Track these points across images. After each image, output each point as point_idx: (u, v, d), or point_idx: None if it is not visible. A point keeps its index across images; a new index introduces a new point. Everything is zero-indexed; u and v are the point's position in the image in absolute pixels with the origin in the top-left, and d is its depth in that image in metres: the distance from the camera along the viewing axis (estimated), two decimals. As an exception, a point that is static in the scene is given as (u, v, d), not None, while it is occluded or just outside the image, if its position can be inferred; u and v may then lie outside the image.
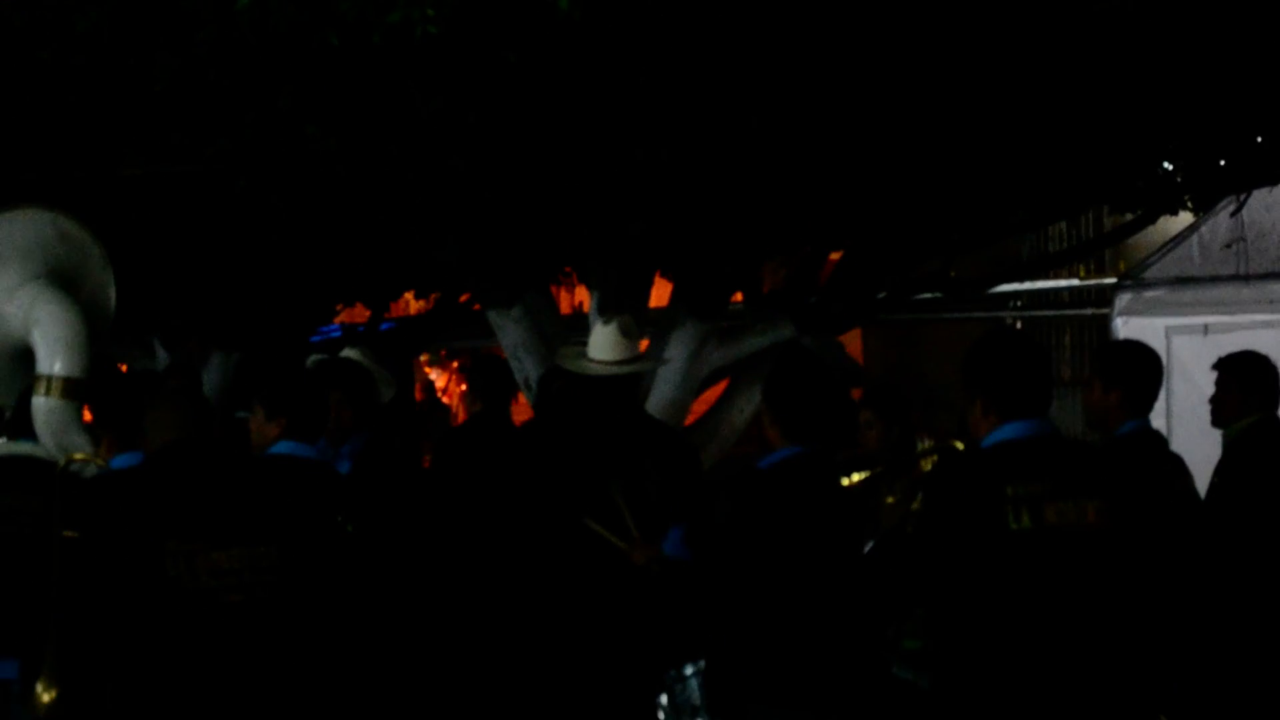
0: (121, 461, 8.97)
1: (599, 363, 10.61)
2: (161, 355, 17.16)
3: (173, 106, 11.06)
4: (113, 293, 10.32)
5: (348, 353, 11.01)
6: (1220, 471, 9.47)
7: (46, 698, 7.58)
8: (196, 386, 11.12)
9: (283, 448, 8.10)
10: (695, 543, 8.79)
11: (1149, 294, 15.16)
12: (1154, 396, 9.05)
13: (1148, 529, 6.65)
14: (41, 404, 9.74)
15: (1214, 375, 9.82)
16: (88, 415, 10.01)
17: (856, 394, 9.67)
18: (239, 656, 7.11)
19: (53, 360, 10.13)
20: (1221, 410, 9.77)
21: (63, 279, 10.39)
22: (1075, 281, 19.72)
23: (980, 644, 6.48)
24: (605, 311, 12.46)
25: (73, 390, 9.97)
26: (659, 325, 12.84)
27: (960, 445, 7.60)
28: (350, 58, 9.86)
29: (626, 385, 10.78)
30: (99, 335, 10.52)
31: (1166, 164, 13.22)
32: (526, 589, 8.95)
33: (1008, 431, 6.49)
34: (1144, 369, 9.05)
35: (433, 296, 18.45)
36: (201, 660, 7.06)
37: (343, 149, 11.17)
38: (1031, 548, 6.33)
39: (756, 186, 12.20)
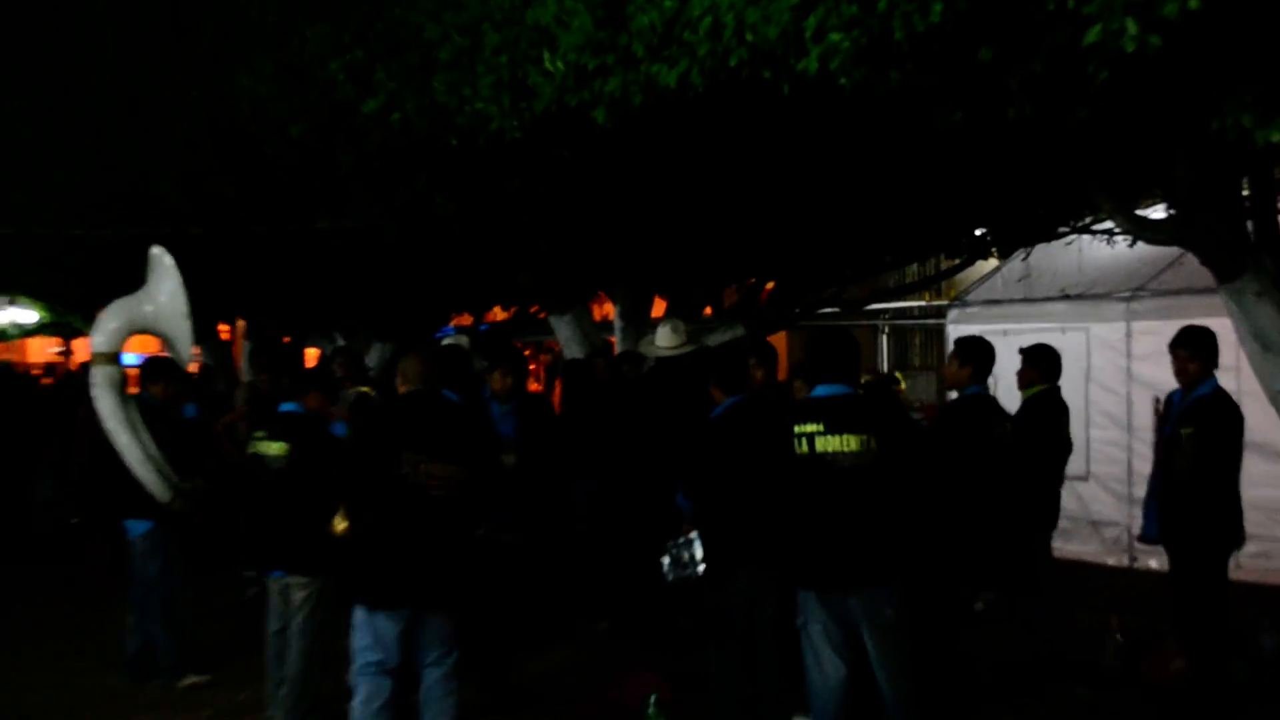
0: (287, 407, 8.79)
1: (662, 348, 11.21)
2: (339, 342, 17.11)
3: (351, 183, 11.28)
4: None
5: (454, 340, 10.76)
6: (1017, 419, 9.33)
7: (341, 526, 7.60)
8: (361, 363, 10.75)
9: (449, 394, 7.88)
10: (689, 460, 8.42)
11: (969, 310, 15.25)
12: (989, 372, 9.25)
13: (893, 454, 6.92)
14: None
15: (1014, 361, 9.74)
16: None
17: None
18: (433, 524, 7.14)
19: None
20: (1022, 380, 9.74)
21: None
22: (922, 302, 19.65)
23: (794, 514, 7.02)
24: (633, 320, 12.83)
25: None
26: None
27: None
28: (464, 152, 9.88)
29: (679, 361, 11.09)
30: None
31: (980, 229, 13.32)
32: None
33: (817, 391, 7.07)
34: (986, 353, 9.22)
35: (513, 308, 18.35)
36: (405, 517, 7.12)
37: (458, 213, 11.46)
38: (809, 463, 6.85)
39: (722, 241, 12.50)
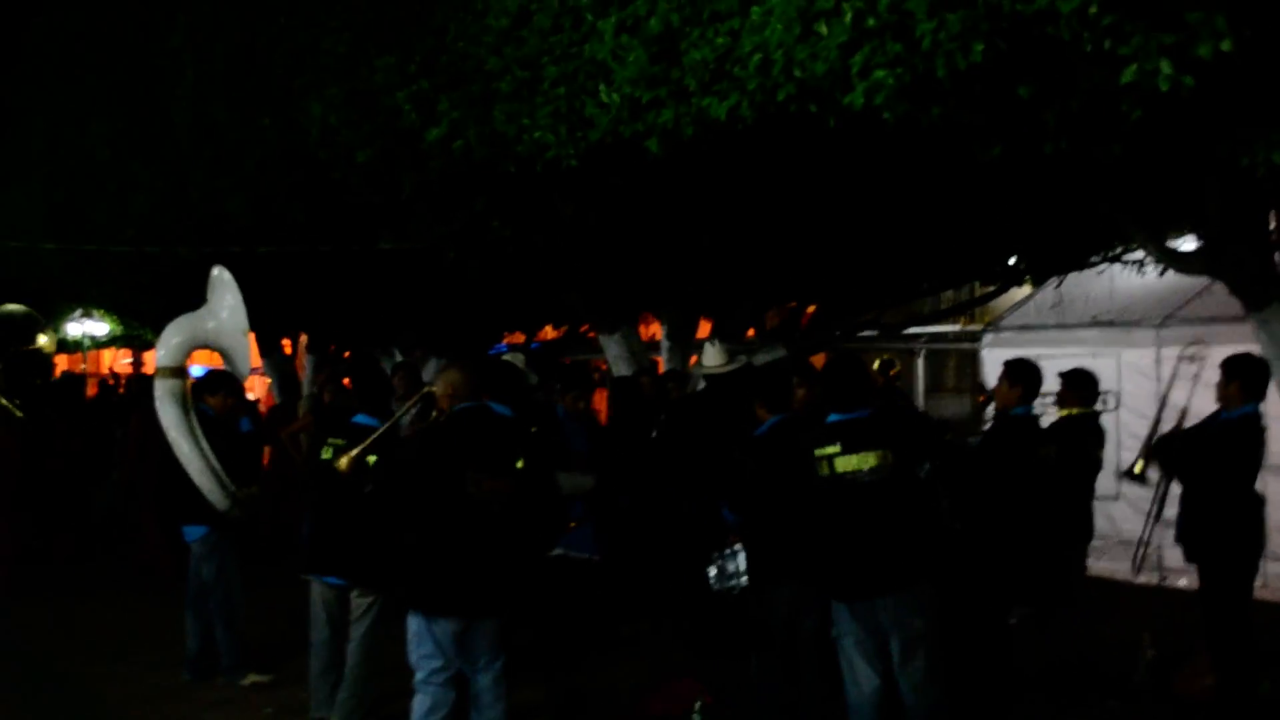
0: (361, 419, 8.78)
1: (709, 367, 11.15)
2: (398, 358, 17.18)
3: (413, 206, 11.35)
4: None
5: (509, 357, 10.76)
6: (1053, 435, 9.38)
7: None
8: (419, 378, 10.76)
9: (498, 408, 7.86)
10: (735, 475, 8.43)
11: (1002, 335, 15.20)
12: (1036, 394, 9.20)
13: (910, 463, 7.26)
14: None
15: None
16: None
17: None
18: (490, 535, 7.22)
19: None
20: (1061, 403, 9.76)
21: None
22: (958, 327, 19.54)
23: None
24: (679, 339, 12.86)
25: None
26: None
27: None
28: (521, 178, 9.92)
29: (726, 379, 10.95)
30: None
31: (1014, 257, 13.31)
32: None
33: (832, 417, 7.23)
34: (1035, 376, 9.17)
35: (563, 327, 18.39)
36: (466, 530, 7.18)
37: (514, 235, 11.48)
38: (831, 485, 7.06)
39: (766, 265, 12.45)
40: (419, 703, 7.20)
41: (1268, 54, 5.77)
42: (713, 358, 11.38)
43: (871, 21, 6.37)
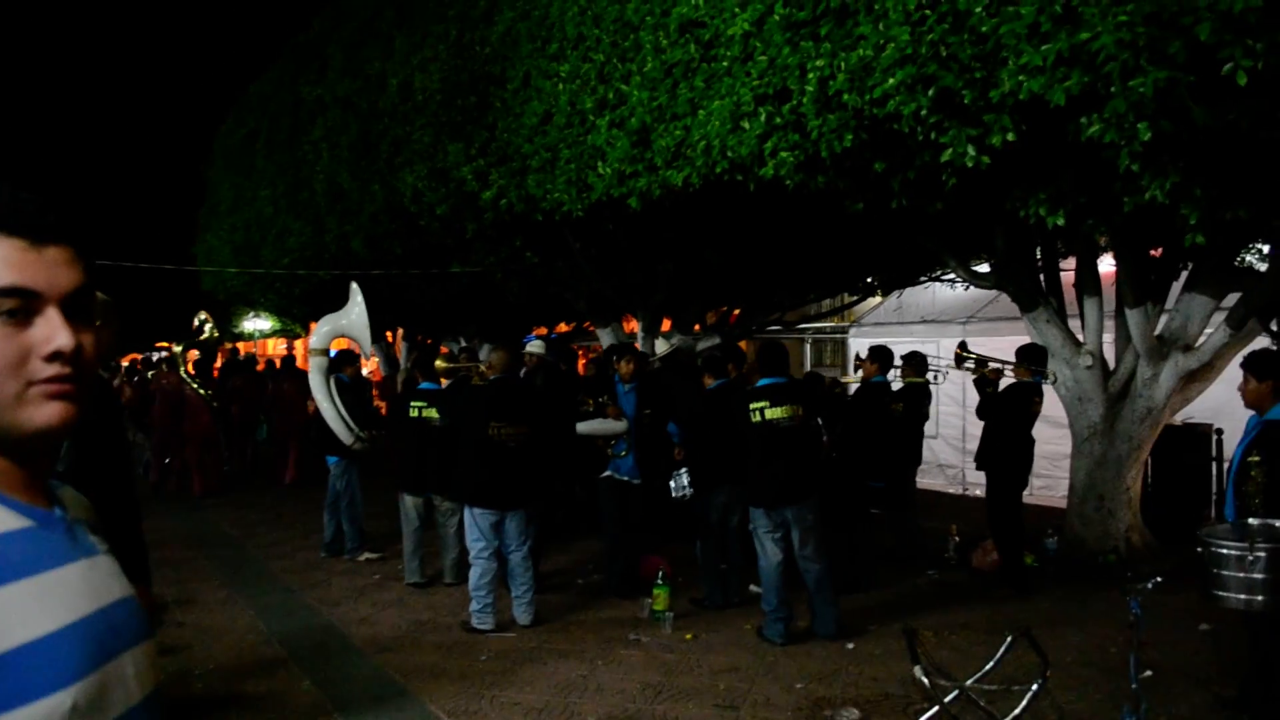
0: (426, 385, 8.86)
1: (660, 354, 11.24)
2: (463, 343, 17.10)
3: (473, 243, 11.32)
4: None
5: (534, 346, 10.63)
6: (899, 396, 9.40)
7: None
8: (476, 357, 10.65)
9: (509, 376, 7.62)
10: (684, 419, 8.44)
11: (863, 329, 15.13)
12: (889, 368, 9.28)
13: (811, 417, 7.27)
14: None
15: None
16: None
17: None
18: (510, 461, 7.26)
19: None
20: (903, 375, 9.71)
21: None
22: (833, 324, 19.40)
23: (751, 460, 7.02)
24: (650, 332, 12.79)
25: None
26: (668, 336, 12.56)
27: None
28: (546, 225, 9.96)
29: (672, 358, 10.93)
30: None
31: (870, 276, 13.29)
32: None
33: (763, 381, 7.15)
34: (888, 356, 9.27)
35: (572, 323, 18.24)
36: (496, 458, 7.23)
37: (541, 263, 11.41)
38: (762, 427, 6.96)
39: (707, 283, 12.45)
40: (473, 571, 7.25)
41: (1036, 144, 5.77)
42: (660, 347, 11.67)
43: (778, 120, 6.42)
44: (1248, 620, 5.03)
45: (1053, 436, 10.97)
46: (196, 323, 11.13)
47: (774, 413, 6.93)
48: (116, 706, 1.19)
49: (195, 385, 13.92)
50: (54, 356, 1.18)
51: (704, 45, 7.14)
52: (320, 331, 9.97)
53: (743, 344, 13.46)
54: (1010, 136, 5.37)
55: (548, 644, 6.91)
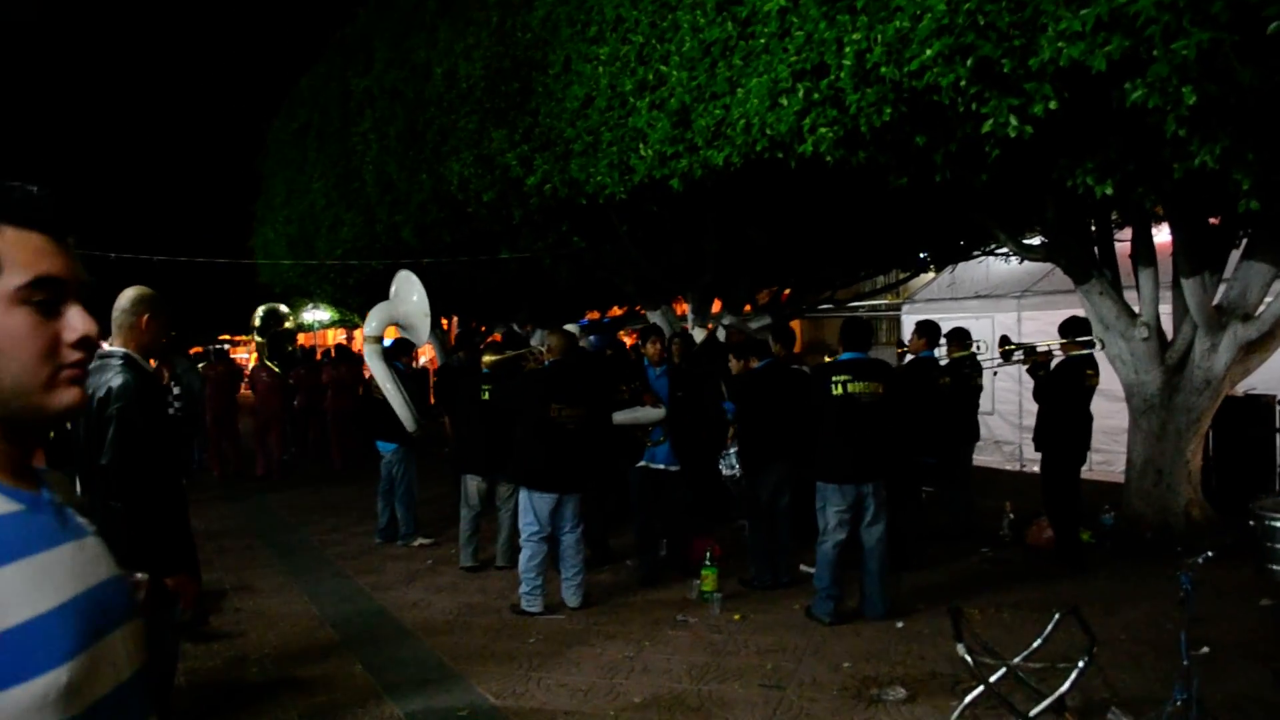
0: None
1: (698, 336, 10.88)
2: (515, 329, 17.19)
3: (520, 229, 11.33)
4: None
5: (570, 327, 10.51)
6: (947, 370, 9.17)
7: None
8: (526, 342, 10.61)
9: (567, 359, 7.45)
10: (736, 400, 8.27)
11: (916, 305, 14.91)
12: (937, 343, 9.09)
13: (892, 396, 7.07)
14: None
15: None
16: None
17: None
18: (569, 443, 7.21)
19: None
20: (947, 350, 9.40)
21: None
22: (886, 301, 19.19)
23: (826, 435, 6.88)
24: (700, 314, 12.79)
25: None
26: (718, 318, 12.53)
27: (827, 359, 7.77)
28: (590, 209, 9.96)
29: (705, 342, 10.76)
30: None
31: (923, 252, 13.13)
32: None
33: (845, 356, 7.04)
34: (935, 330, 9.09)
35: (625, 307, 18.20)
36: (556, 440, 7.19)
37: (588, 246, 11.40)
38: (843, 401, 6.84)
39: (754, 263, 12.32)
40: (524, 554, 7.25)
41: (1080, 112, 5.65)
42: (698, 334, 11.65)
43: (816, 95, 6.33)
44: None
45: (1111, 411, 10.76)
46: (278, 311, 11.33)
47: (856, 387, 6.83)
48: (106, 683, 1.24)
49: (274, 366, 14.44)
50: (80, 343, 1.27)
51: (741, 23, 7.07)
52: (375, 318, 10.01)
53: (794, 323, 13.39)
54: (1053, 105, 5.25)
55: (596, 626, 6.90)
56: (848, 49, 5.99)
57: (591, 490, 7.88)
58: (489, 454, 8.48)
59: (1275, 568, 4.08)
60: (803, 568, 7.87)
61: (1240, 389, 9.73)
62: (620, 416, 7.97)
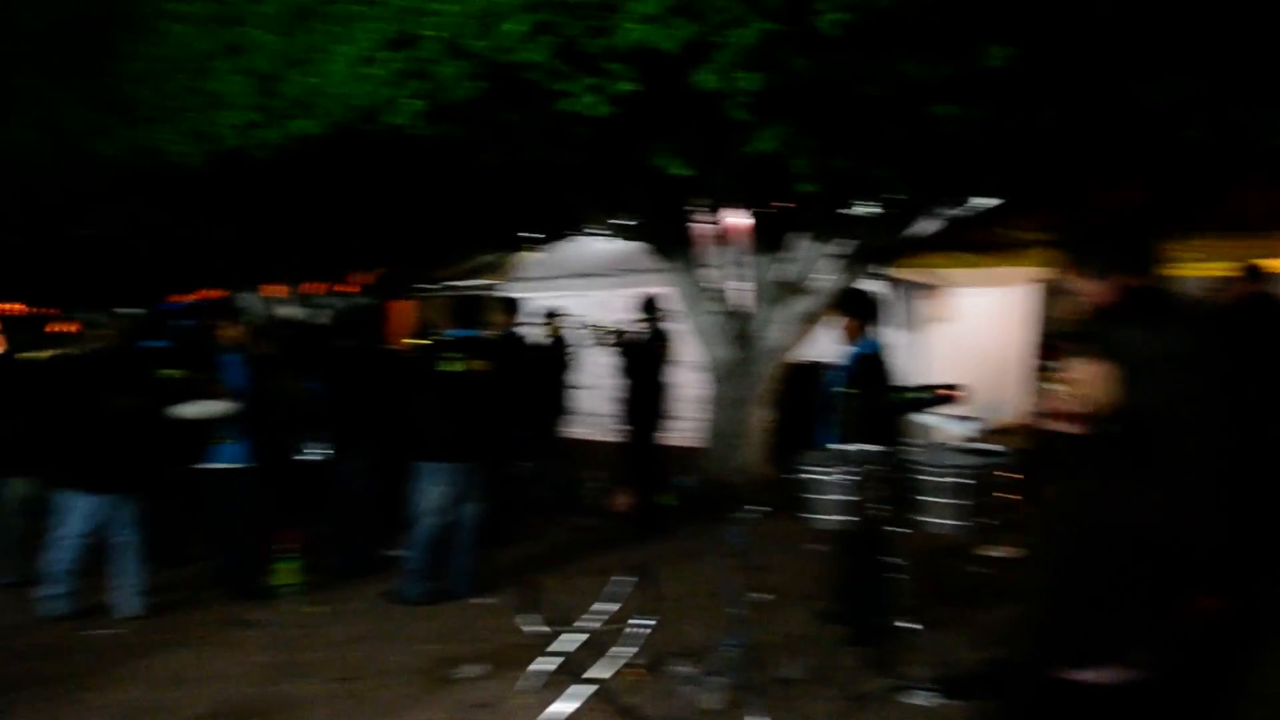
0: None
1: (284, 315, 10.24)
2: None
3: (92, 203, 10.19)
4: None
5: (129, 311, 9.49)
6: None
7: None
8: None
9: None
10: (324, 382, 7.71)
11: (515, 284, 14.91)
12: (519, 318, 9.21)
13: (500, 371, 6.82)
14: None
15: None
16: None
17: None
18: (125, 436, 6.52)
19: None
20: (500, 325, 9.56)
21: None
22: (488, 280, 18.99)
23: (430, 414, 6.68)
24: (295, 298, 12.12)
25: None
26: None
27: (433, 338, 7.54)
28: (172, 178, 9.05)
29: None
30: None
31: (521, 232, 13.05)
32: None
33: (454, 333, 6.74)
34: (517, 307, 9.06)
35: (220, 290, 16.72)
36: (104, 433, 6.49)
37: (173, 223, 10.45)
38: (450, 379, 6.69)
39: (346, 241, 11.74)
40: (58, 556, 6.51)
41: (660, 95, 5.86)
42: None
43: (399, 67, 6.18)
44: (837, 538, 5.34)
45: (695, 381, 11.39)
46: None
47: (464, 365, 6.63)
48: None
49: None
50: None
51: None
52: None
53: (403, 303, 12.99)
54: (629, 86, 5.44)
55: (156, 635, 6.24)
56: (437, 19, 5.89)
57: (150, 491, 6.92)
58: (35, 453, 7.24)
59: (814, 516, 4.51)
60: (389, 552, 7.51)
61: (800, 357, 10.62)
62: (187, 410, 6.88)
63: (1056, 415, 2.43)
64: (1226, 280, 6.77)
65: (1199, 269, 8.65)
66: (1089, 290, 2.92)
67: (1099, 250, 3.03)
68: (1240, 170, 7.92)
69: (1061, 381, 2.41)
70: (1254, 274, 6.69)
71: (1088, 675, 2.41)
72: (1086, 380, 2.36)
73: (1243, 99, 6.05)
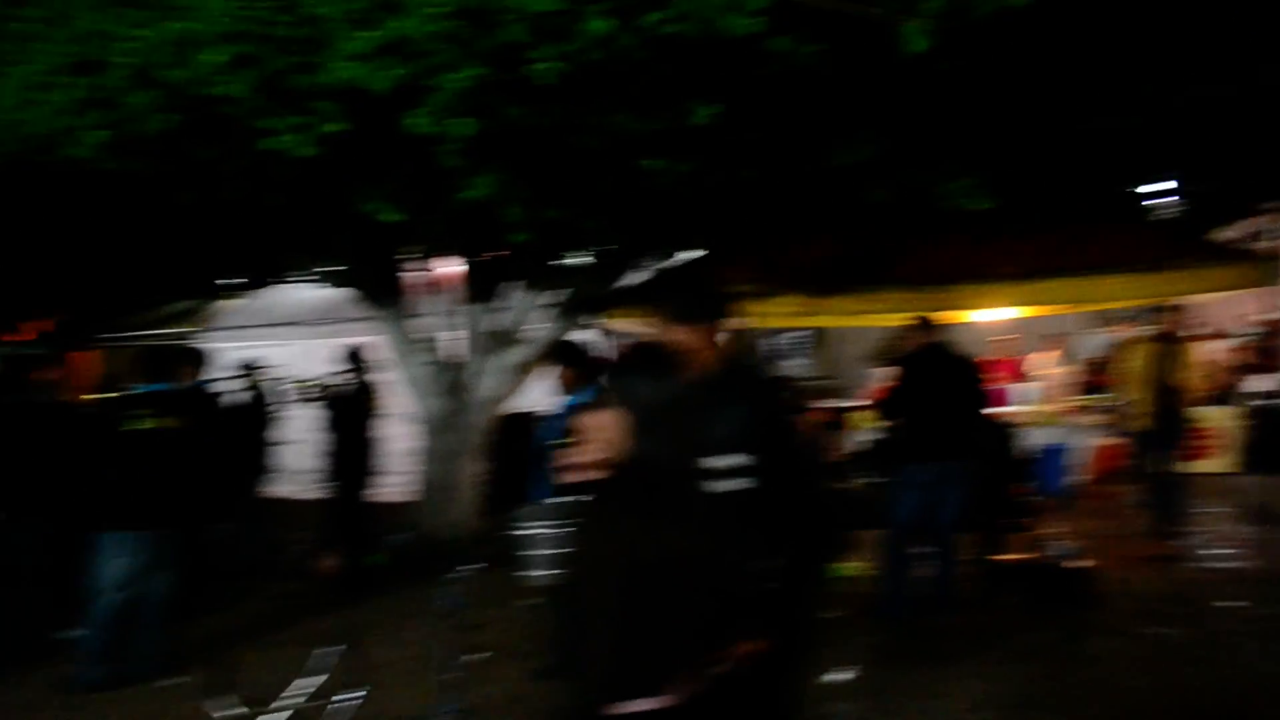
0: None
1: None
2: None
3: None
4: None
5: None
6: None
7: None
8: None
9: None
10: None
11: (218, 334, 14.14)
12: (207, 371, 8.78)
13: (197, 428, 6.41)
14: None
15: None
16: None
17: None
18: None
19: None
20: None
21: None
22: (186, 328, 17.85)
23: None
24: None
25: None
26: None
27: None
28: None
29: None
30: None
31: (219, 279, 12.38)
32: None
33: (143, 388, 6.94)
34: (201, 359, 8.85)
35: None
36: None
37: None
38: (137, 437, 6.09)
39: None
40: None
41: (371, 137, 5.64)
42: None
43: (82, 94, 5.69)
44: (549, 593, 5.25)
45: (407, 434, 11.09)
46: None
47: (152, 423, 6.11)
48: None
49: None
50: None
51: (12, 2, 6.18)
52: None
53: (84, 355, 11.92)
54: (337, 126, 5.23)
55: None
56: (125, 45, 5.46)
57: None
58: None
59: (528, 573, 4.44)
60: (60, 634, 6.67)
61: (514, 408, 10.53)
62: None
63: (579, 465, 2.49)
64: (906, 330, 7.15)
65: (883, 319, 9.41)
66: (676, 338, 3.05)
67: (672, 300, 3.23)
68: (920, 228, 8.57)
69: (583, 429, 2.49)
70: (925, 325, 7.09)
71: (632, 707, 2.41)
72: (604, 428, 2.46)
73: (921, 162, 6.58)
